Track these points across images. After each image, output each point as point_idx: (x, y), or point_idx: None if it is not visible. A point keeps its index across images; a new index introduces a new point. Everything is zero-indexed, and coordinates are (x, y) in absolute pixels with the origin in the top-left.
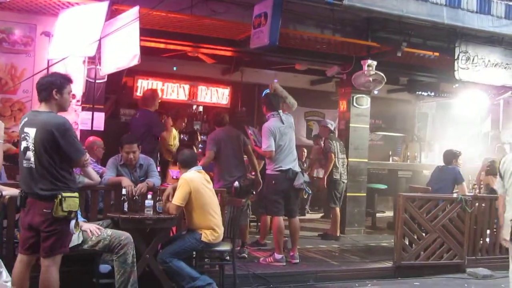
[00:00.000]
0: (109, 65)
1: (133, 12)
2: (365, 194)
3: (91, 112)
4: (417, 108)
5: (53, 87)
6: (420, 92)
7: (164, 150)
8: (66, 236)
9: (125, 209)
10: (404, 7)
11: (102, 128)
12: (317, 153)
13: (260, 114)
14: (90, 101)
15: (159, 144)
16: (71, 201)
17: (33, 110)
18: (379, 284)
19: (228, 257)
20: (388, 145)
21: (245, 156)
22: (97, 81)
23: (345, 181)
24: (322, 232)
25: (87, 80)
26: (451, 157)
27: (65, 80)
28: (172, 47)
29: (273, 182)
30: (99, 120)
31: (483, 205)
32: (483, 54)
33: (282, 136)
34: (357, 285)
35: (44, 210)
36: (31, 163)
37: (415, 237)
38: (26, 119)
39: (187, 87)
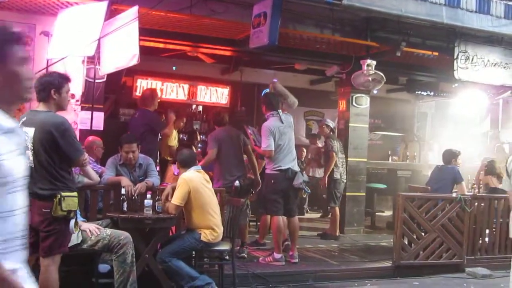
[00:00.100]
0: (109, 65)
1: (133, 11)
2: (364, 194)
3: (90, 112)
4: (417, 108)
5: (51, 86)
6: (419, 92)
7: (164, 148)
8: (65, 235)
9: (125, 208)
10: (403, 7)
11: (101, 128)
12: (314, 152)
13: (259, 113)
14: (89, 100)
15: (159, 144)
16: (70, 200)
17: (32, 110)
18: (378, 283)
19: (227, 257)
20: (387, 144)
21: (245, 156)
22: (96, 80)
23: (345, 180)
24: (321, 232)
25: (86, 80)
26: (450, 156)
27: (64, 79)
28: (171, 46)
29: (272, 181)
30: (99, 119)
31: (482, 204)
32: (483, 53)
33: (282, 136)
34: (356, 284)
35: (43, 209)
36: (30, 163)
37: (414, 236)
38: (24, 118)
39: (186, 86)
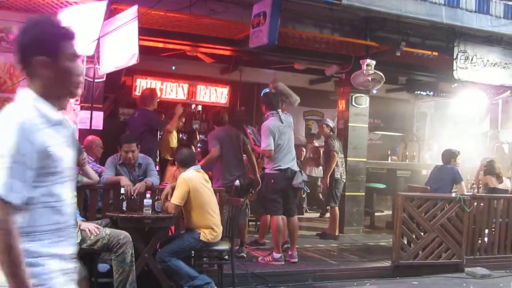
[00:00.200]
0: (108, 64)
1: (132, 11)
2: (363, 194)
3: (89, 111)
4: (416, 108)
5: None
6: (419, 92)
7: (164, 147)
8: None
9: (124, 208)
10: (403, 7)
11: (101, 127)
12: (312, 152)
13: (259, 113)
14: (89, 100)
15: (158, 143)
16: None
17: None
18: (378, 283)
19: (226, 256)
20: (387, 144)
21: (244, 155)
22: (96, 80)
23: (345, 180)
24: (320, 231)
25: (86, 80)
26: (449, 156)
27: None
28: (171, 46)
29: (272, 181)
30: (98, 119)
31: (482, 204)
32: (482, 53)
33: (281, 135)
34: (355, 284)
35: None
36: None
37: (414, 236)
38: None
39: (186, 86)
